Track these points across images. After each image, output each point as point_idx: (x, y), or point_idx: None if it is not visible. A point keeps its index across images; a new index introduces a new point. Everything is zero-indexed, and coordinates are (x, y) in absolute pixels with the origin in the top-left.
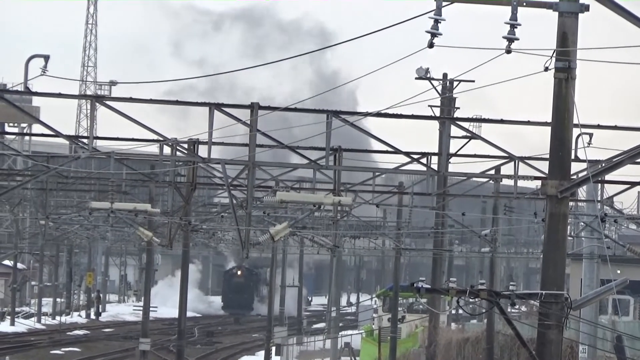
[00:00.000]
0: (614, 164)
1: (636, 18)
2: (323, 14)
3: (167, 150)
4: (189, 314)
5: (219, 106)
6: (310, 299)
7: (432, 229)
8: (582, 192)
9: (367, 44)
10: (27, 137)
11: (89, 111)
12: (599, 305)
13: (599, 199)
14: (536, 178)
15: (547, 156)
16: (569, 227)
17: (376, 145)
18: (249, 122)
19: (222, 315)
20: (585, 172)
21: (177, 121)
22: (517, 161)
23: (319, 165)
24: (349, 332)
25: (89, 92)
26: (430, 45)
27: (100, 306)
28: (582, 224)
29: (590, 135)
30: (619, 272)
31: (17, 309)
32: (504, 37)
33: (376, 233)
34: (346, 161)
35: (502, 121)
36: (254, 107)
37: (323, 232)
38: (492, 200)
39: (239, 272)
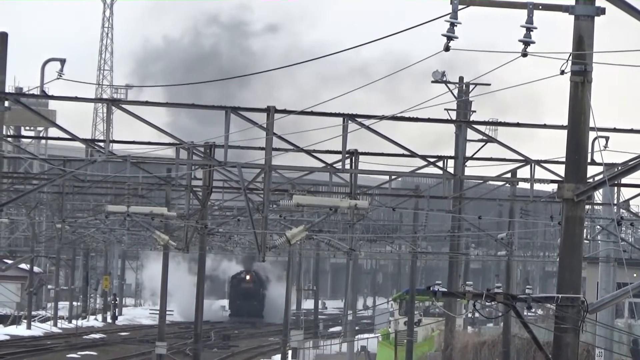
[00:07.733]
0: (630, 167)
1: None
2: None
3: (183, 153)
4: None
5: (235, 109)
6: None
7: (449, 232)
8: (598, 195)
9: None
10: (43, 141)
11: (105, 115)
12: (615, 309)
13: (615, 202)
14: (552, 181)
15: (563, 159)
16: (585, 230)
17: (393, 149)
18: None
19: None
20: (601, 176)
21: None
22: (533, 164)
23: (335, 168)
24: (366, 335)
25: (105, 96)
26: (447, 48)
27: (116, 310)
28: (599, 227)
29: (607, 138)
30: (635, 275)
31: (33, 313)
32: (520, 41)
33: (392, 236)
34: (362, 164)
35: (518, 124)
36: (270, 111)
37: (339, 236)
38: (508, 204)
39: (247, 277)
